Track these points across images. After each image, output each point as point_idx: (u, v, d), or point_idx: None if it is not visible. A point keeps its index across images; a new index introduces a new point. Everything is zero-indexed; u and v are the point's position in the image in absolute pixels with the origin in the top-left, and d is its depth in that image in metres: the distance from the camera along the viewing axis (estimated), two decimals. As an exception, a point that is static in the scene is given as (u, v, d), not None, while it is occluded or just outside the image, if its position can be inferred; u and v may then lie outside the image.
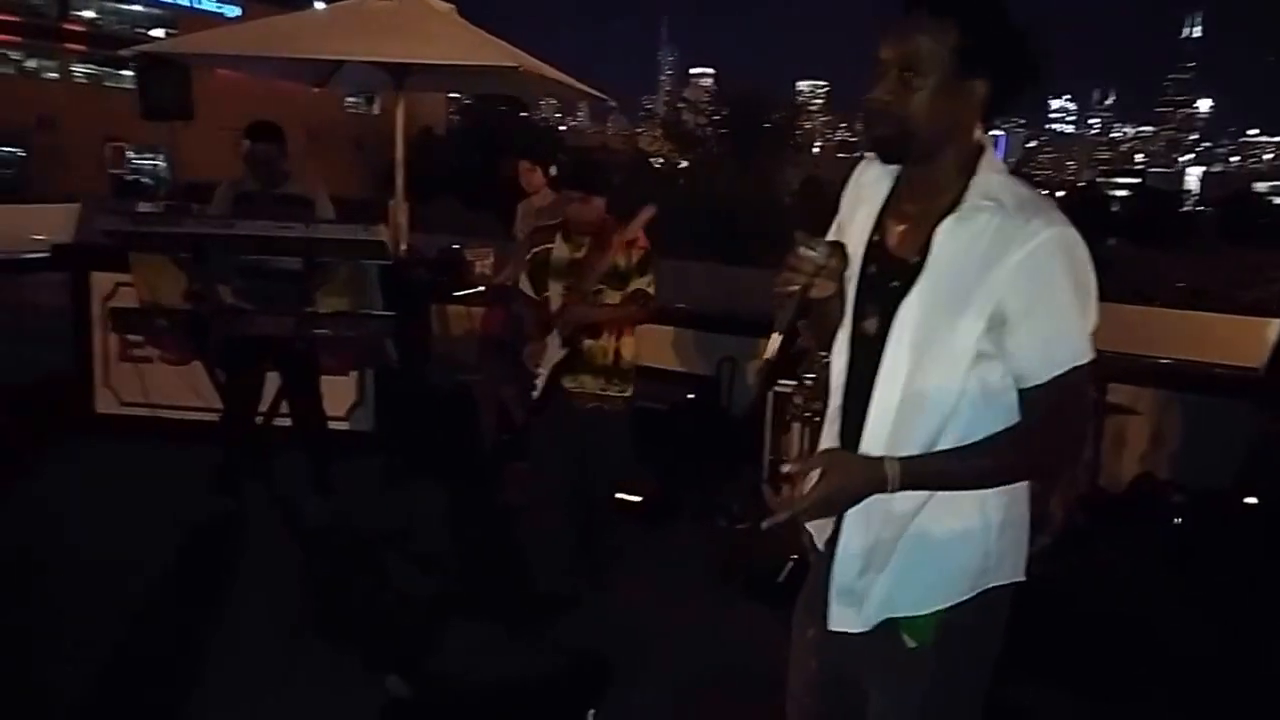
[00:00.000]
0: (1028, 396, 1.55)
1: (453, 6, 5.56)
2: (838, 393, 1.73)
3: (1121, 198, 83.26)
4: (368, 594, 3.73)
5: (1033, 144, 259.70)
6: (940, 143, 1.57)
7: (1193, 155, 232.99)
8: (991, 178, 1.56)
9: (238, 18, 39.92)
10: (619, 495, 4.69)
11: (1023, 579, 1.66)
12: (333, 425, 4.79)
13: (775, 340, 1.60)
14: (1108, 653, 3.48)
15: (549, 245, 3.64)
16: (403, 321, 4.21)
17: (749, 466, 4.61)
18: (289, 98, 7.88)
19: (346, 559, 4.00)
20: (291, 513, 4.30)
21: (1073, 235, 1.50)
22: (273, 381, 4.48)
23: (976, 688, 1.71)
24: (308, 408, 4.47)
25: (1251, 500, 3.67)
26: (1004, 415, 1.58)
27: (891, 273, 1.61)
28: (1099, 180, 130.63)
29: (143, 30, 40.96)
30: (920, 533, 1.60)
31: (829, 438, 1.74)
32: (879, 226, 1.67)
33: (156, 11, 44.61)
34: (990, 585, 1.62)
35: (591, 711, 2.96)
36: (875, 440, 1.60)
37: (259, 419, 4.46)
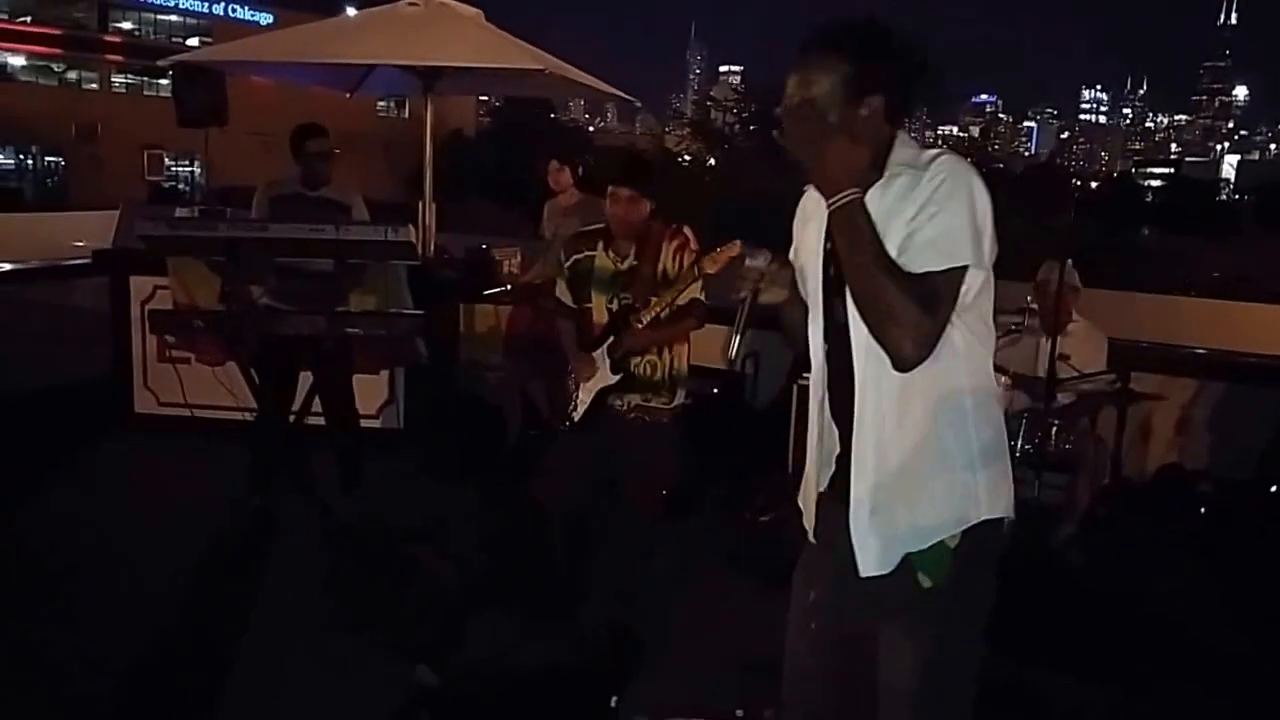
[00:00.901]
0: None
1: (479, 11, 5.65)
2: (819, 385, 1.92)
3: (1156, 188, 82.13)
4: (397, 587, 3.81)
5: (1065, 135, 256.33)
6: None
7: (1229, 144, 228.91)
8: (905, 152, 1.79)
9: (271, 25, 40.54)
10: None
11: (1011, 516, 1.83)
12: (364, 423, 4.90)
13: (735, 340, 1.90)
14: (1133, 640, 3.51)
15: (590, 253, 3.45)
16: (431, 320, 4.29)
17: (773, 459, 4.65)
18: (320, 104, 7.96)
19: (376, 553, 4.09)
20: (324, 509, 4.44)
21: (965, 168, 1.73)
22: (304, 381, 4.56)
23: (980, 623, 1.88)
24: (341, 406, 4.56)
25: (1274, 488, 3.67)
26: (981, 371, 1.80)
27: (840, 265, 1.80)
28: (1133, 170, 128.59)
29: (179, 39, 41.85)
30: (911, 469, 1.78)
31: (817, 421, 1.94)
32: (829, 236, 1.83)
33: (192, 21, 45.61)
34: (983, 518, 1.79)
35: (615, 698, 3.02)
36: (862, 404, 1.78)
37: (292, 418, 4.57)
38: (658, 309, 3.28)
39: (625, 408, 3.43)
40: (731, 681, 3.11)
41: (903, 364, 1.69)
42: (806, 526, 2.01)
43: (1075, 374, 4.22)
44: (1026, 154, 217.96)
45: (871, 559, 1.80)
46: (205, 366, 5.34)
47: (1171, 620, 3.61)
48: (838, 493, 1.91)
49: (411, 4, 5.29)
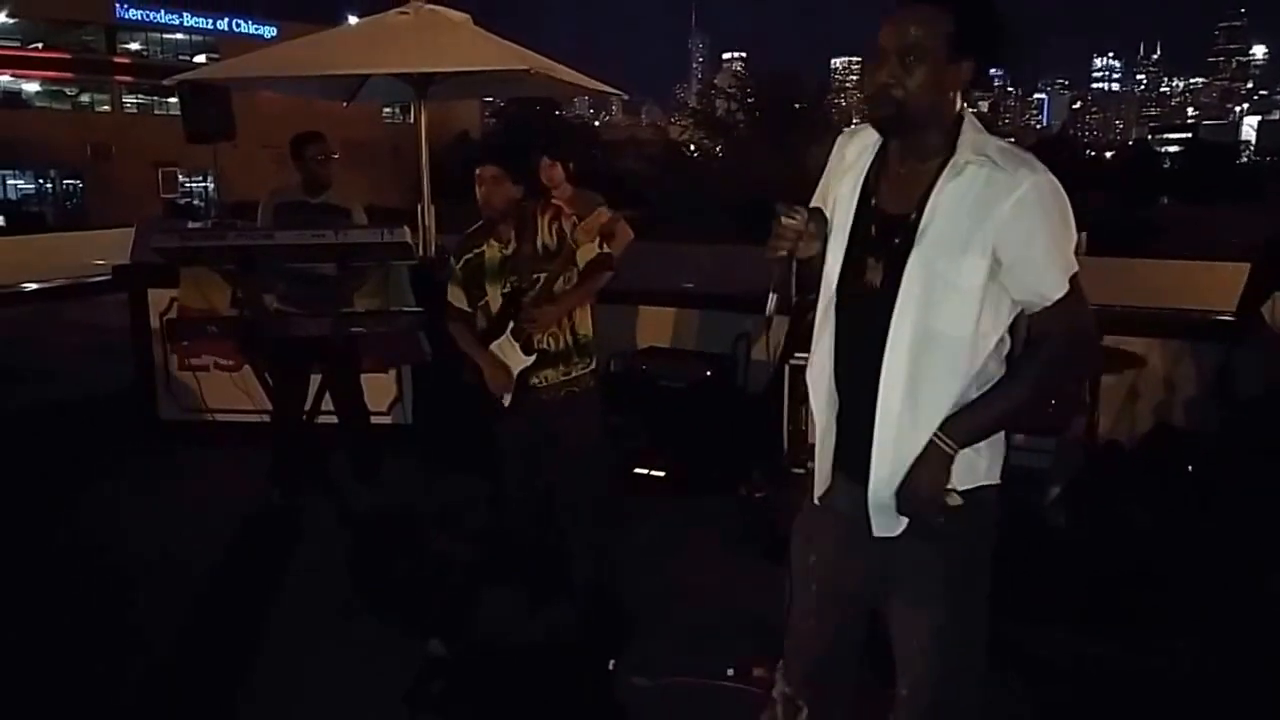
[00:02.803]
0: (1041, 318, 1.79)
1: (467, 16, 5.78)
2: (819, 336, 1.94)
3: (1173, 154, 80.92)
4: (409, 569, 4.02)
5: (1078, 105, 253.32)
6: (932, 116, 1.79)
7: (1248, 105, 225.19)
8: (977, 137, 1.78)
9: (275, 37, 40.93)
10: (640, 470, 4.96)
11: (999, 482, 1.91)
12: (374, 420, 5.10)
13: (772, 299, 1.86)
14: (1125, 599, 3.60)
15: (479, 249, 3.41)
16: (434, 318, 4.45)
17: (767, 438, 4.75)
18: (329, 114, 8.19)
19: (389, 539, 4.31)
20: (339, 501, 4.66)
21: (1051, 180, 1.75)
22: (314, 381, 4.76)
23: (984, 588, 1.95)
24: (350, 404, 4.73)
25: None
26: (1000, 356, 1.84)
27: (891, 230, 1.82)
28: (1149, 138, 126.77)
29: (187, 57, 42.25)
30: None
31: (822, 388, 1.95)
32: (868, 191, 1.87)
33: (199, 38, 46.02)
34: (981, 484, 1.88)
35: (612, 661, 3.19)
36: (893, 376, 1.80)
37: (304, 416, 4.78)
38: (549, 284, 3.29)
39: (546, 385, 3.41)
40: (725, 644, 3.23)
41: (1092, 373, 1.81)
42: (817, 487, 2.01)
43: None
44: (1038, 126, 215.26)
45: (885, 522, 1.87)
46: (223, 373, 5.58)
47: (1162, 577, 3.68)
48: (840, 457, 1.96)
49: (401, 13, 5.43)
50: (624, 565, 3.74)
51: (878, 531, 1.87)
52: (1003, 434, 1.91)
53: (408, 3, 5.51)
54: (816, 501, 2.01)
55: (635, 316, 6.34)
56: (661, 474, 4.95)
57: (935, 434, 1.80)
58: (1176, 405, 5.01)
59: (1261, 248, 3.12)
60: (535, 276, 3.33)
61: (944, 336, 1.78)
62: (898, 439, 1.82)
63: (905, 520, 1.86)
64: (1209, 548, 3.66)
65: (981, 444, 1.86)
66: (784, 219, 1.83)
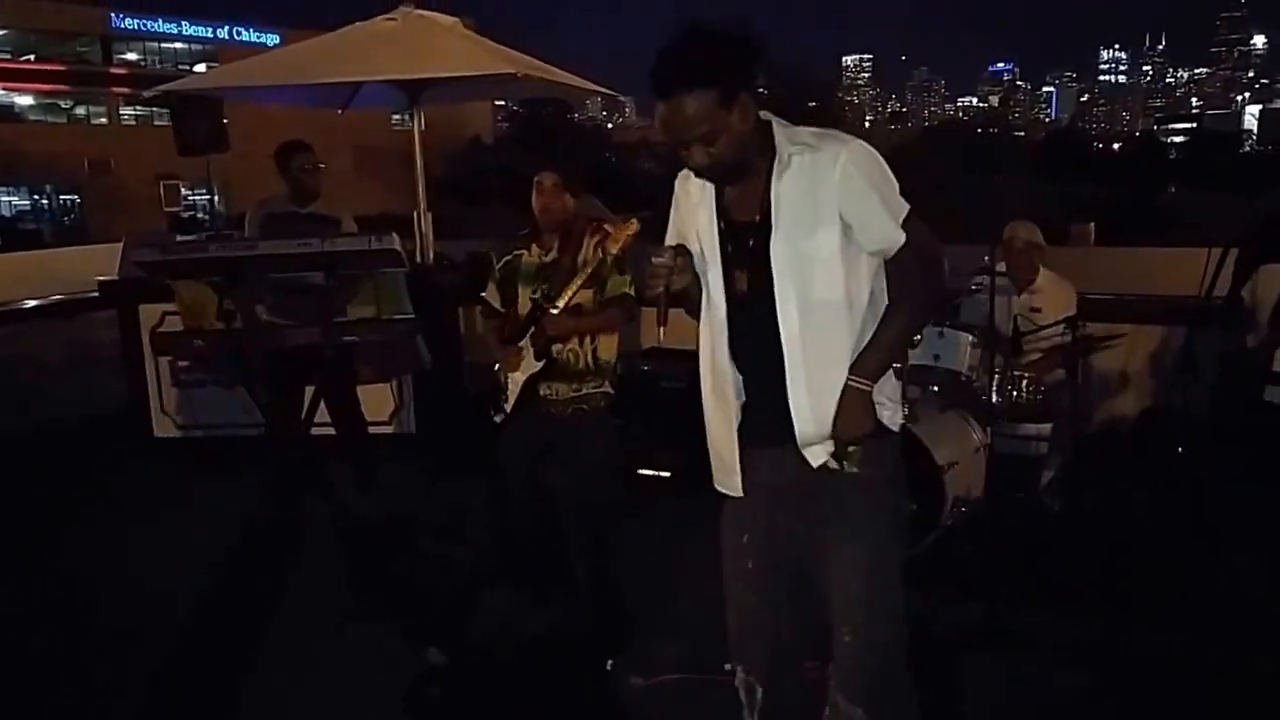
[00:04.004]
0: (897, 258, 2.07)
1: (456, 20, 5.74)
2: (721, 346, 2.16)
3: (1179, 144, 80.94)
4: (408, 577, 4.01)
5: (1085, 98, 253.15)
6: (748, 151, 2.03)
7: (1250, 94, 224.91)
8: (788, 132, 2.05)
9: (278, 45, 40.93)
10: (645, 472, 4.94)
11: (897, 430, 2.18)
12: (377, 430, 5.05)
13: (661, 330, 2.11)
14: (1114, 581, 3.62)
15: (520, 252, 3.51)
16: (433, 326, 4.41)
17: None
18: (337, 123, 8.17)
19: (388, 548, 4.27)
20: (338, 512, 4.62)
21: (862, 145, 2.03)
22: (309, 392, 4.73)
23: (900, 525, 2.30)
24: (347, 413, 4.69)
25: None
26: (879, 304, 2.11)
27: (745, 236, 2.09)
28: (1155, 128, 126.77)
29: (186, 67, 41.92)
30: (836, 391, 2.09)
31: (721, 379, 2.17)
32: (721, 213, 2.14)
33: (198, 47, 45.60)
34: (880, 422, 2.13)
35: (610, 662, 3.19)
36: (792, 346, 2.06)
37: (302, 428, 4.73)
38: (569, 294, 3.30)
39: (558, 398, 3.45)
40: (724, 643, 3.25)
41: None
42: (726, 485, 2.26)
43: (1034, 327, 4.33)
44: (1047, 119, 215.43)
45: (815, 454, 2.12)
46: (219, 388, 5.54)
47: (1151, 559, 3.70)
48: (753, 437, 2.19)
49: (389, 19, 5.39)
50: (625, 566, 3.72)
51: (815, 462, 2.12)
52: (899, 390, 2.24)
53: (396, 8, 5.47)
54: (739, 493, 2.23)
55: (639, 317, 6.29)
56: (667, 474, 4.94)
57: (849, 378, 2.07)
58: (1166, 389, 5.00)
59: (1244, 234, 3.15)
60: (565, 288, 3.33)
61: (823, 302, 2.04)
62: (808, 384, 2.07)
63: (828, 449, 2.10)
64: (1197, 529, 3.69)
65: (884, 397, 2.13)
66: (654, 260, 2.09)
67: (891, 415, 2.16)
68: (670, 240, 2.24)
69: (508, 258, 3.54)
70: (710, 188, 2.13)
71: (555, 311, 3.33)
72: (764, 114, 2.04)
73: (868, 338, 2.09)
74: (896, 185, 2.05)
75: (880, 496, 2.15)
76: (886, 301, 2.14)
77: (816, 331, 2.05)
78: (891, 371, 2.16)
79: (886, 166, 2.04)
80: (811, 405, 2.09)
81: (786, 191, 2.02)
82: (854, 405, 2.07)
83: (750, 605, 2.27)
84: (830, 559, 2.15)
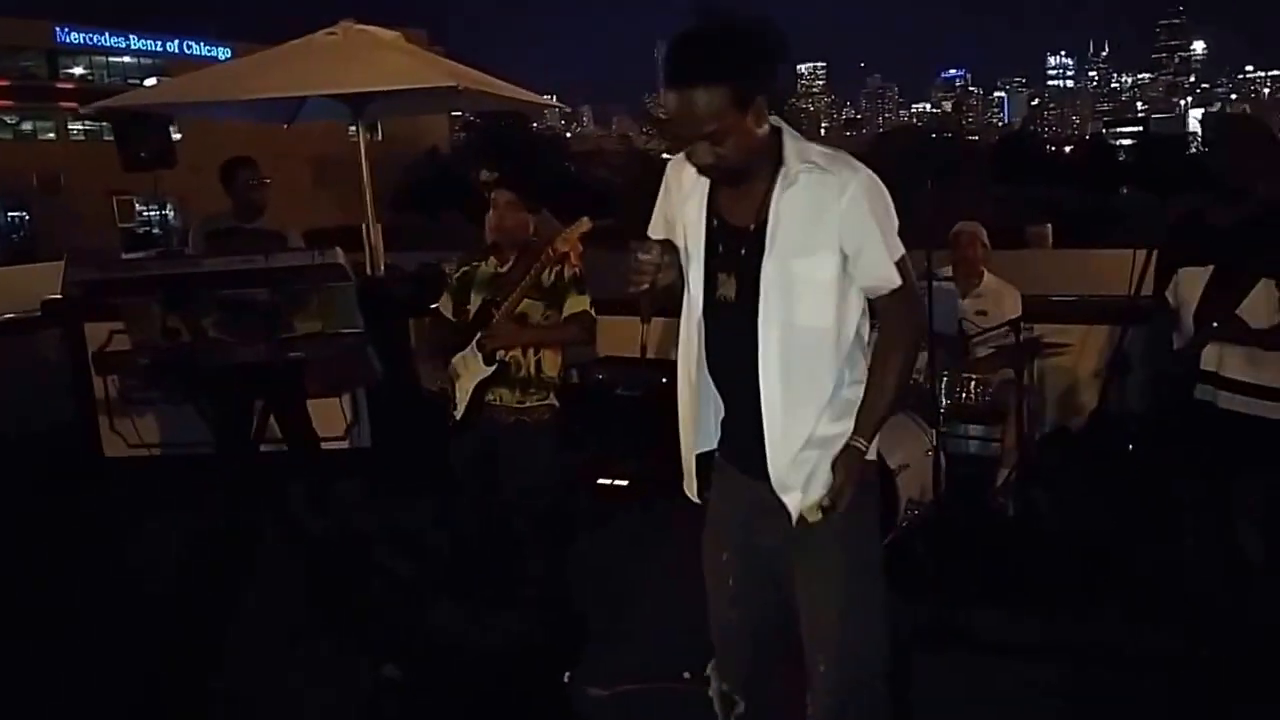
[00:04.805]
0: (885, 300, 2.00)
1: (399, 34, 5.73)
2: (695, 349, 2.08)
3: (1127, 146, 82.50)
4: (362, 592, 3.99)
5: (1035, 102, 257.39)
6: (752, 155, 1.93)
7: (1192, 97, 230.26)
8: (798, 146, 1.94)
9: (230, 59, 40.40)
10: (602, 481, 4.94)
11: (876, 458, 2.11)
12: (331, 445, 5.00)
13: (644, 329, 1.91)
14: (1066, 578, 3.68)
15: (477, 264, 3.53)
16: (384, 338, 4.38)
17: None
18: (294, 134, 8.06)
19: (342, 563, 4.24)
20: (291, 528, 4.57)
21: (871, 176, 1.93)
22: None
23: (877, 545, 2.19)
24: (298, 429, 4.67)
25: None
26: (862, 344, 2.05)
27: (737, 242, 1.99)
28: (1104, 131, 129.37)
29: (136, 80, 41.19)
30: (816, 425, 2.01)
31: (696, 385, 2.09)
32: (712, 210, 2.03)
33: (147, 61, 44.90)
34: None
35: (568, 673, 3.18)
36: (770, 375, 1.95)
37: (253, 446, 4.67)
38: (517, 301, 3.33)
39: (503, 408, 3.46)
40: (683, 649, 3.23)
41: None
42: (691, 489, 2.19)
43: (978, 330, 4.39)
44: (1000, 124, 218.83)
45: (796, 501, 2.02)
46: (169, 405, 5.45)
47: (1101, 556, 3.76)
48: (730, 456, 2.12)
49: (330, 33, 5.37)
50: (583, 575, 3.75)
51: (793, 512, 2.02)
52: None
53: (336, 23, 5.45)
54: (698, 499, 2.20)
55: (595, 340, 6.31)
56: (624, 482, 4.96)
57: (851, 439, 1.99)
58: (1102, 387, 5.09)
59: (1167, 234, 3.27)
60: (519, 301, 3.37)
61: (809, 329, 1.95)
62: (785, 431, 1.98)
63: (816, 494, 2.00)
64: (1145, 526, 3.76)
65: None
66: (640, 255, 2.00)
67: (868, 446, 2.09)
68: (655, 226, 2.16)
69: (465, 268, 3.55)
70: (705, 181, 2.02)
71: (496, 315, 3.36)
72: (775, 120, 1.94)
73: (849, 376, 2.01)
74: (897, 224, 1.97)
75: (856, 524, 2.07)
76: (869, 344, 2.06)
77: (797, 360, 1.96)
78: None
79: (891, 203, 1.96)
80: (789, 457, 1.99)
81: (788, 207, 1.92)
82: (851, 469, 1.98)
83: (732, 622, 2.21)
84: (806, 588, 2.08)
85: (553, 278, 3.39)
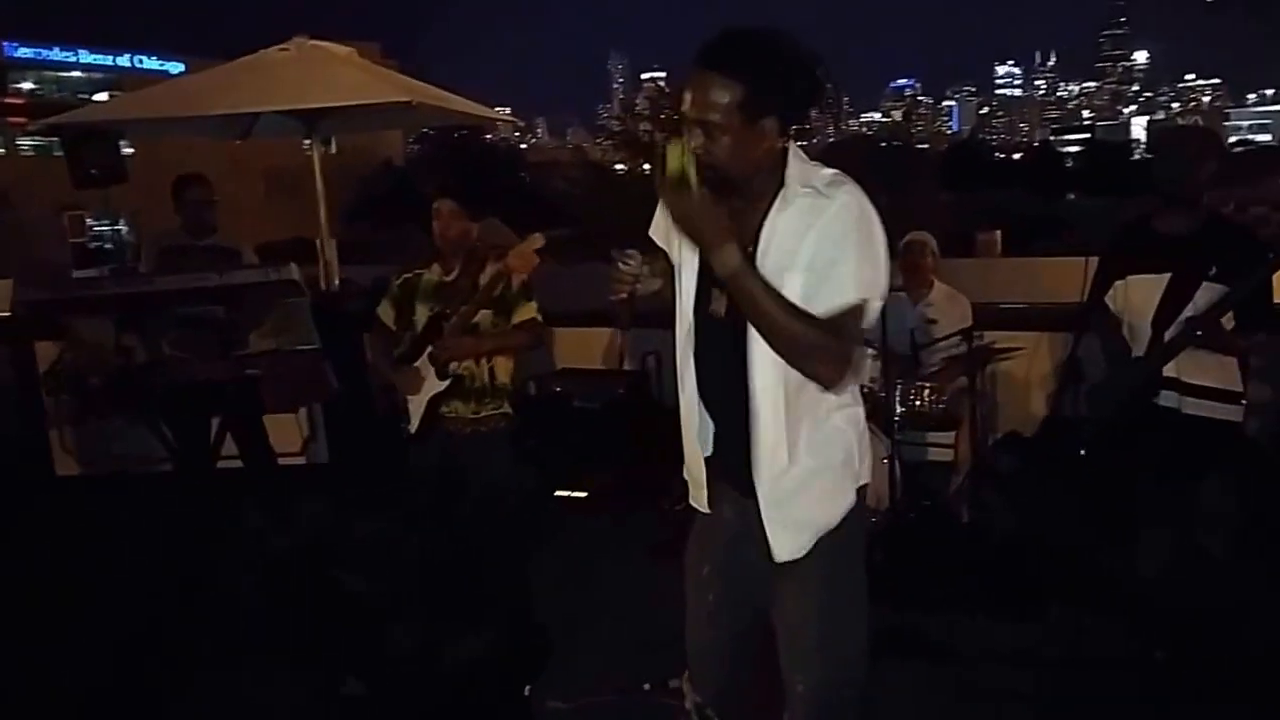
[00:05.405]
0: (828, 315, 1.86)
1: (352, 50, 5.71)
2: (687, 366, 2.06)
3: (1075, 153, 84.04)
4: (322, 608, 3.95)
5: (984, 111, 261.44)
6: (749, 169, 1.88)
7: (1136, 105, 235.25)
8: (803, 170, 1.90)
9: (183, 74, 39.80)
10: (560, 493, 4.97)
11: (866, 481, 2.08)
12: (288, 461, 4.96)
13: (623, 338, 1.94)
14: (1024, 581, 3.75)
15: (420, 272, 3.54)
16: (340, 353, 4.37)
17: (683, 451, 4.81)
18: (248, 148, 7.98)
19: (301, 579, 4.21)
20: (250, 546, 4.53)
21: (862, 200, 1.86)
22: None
23: (862, 569, 2.11)
24: (254, 447, 4.64)
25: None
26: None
27: None
28: (1051, 139, 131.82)
29: (85, 96, 40.55)
30: (808, 465, 1.97)
31: (692, 408, 2.06)
32: None
33: (98, 76, 44.20)
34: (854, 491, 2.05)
35: (529, 687, 3.18)
36: (762, 395, 1.91)
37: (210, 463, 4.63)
38: (470, 315, 3.35)
39: (457, 417, 3.47)
40: (645, 659, 3.20)
41: (827, 386, 1.88)
42: (697, 499, 2.16)
43: (930, 339, 4.48)
44: (949, 132, 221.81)
45: (785, 547, 1.99)
46: (122, 424, 5.37)
47: (1056, 558, 3.83)
48: (719, 471, 2.09)
49: (283, 49, 5.34)
50: (543, 587, 3.74)
51: (779, 557, 1.99)
52: (868, 443, 2.08)
53: (290, 39, 5.43)
54: (704, 509, 2.14)
55: (551, 340, 6.33)
56: (583, 494, 4.98)
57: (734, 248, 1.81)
58: (1067, 393, 5.19)
59: (1115, 240, 3.29)
60: (462, 307, 3.37)
61: None
62: (774, 450, 1.94)
63: (809, 539, 1.97)
64: (1099, 531, 3.79)
65: (855, 460, 2.02)
66: (620, 264, 1.99)
67: (862, 476, 2.06)
68: (655, 230, 2.12)
69: (407, 275, 3.55)
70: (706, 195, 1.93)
71: (450, 336, 3.36)
72: (788, 144, 1.90)
73: (836, 400, 1.96)
74: (880, 258, 1.86)
75: (841, 546, 2.03)
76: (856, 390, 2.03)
77: (785, 378, 1.89)
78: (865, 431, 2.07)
79: (879, 234, 1.86)
80: (779, 496, 1.96)
81: (781, 228, 1.87)
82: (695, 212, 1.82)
83: (709, 639, 2.19)
84: (787, 608, 2.07)
85: (501, 287, 3.43)
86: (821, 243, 1.82)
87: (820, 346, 1.81)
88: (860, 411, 2.06)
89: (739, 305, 1.85)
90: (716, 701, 2.18)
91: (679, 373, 2.08)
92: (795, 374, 1.87)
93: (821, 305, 1.82)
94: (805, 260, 1.83)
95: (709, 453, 2.08)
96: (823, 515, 2.01)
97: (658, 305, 2.13)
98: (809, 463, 1.96)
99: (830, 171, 1.89)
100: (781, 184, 1.88)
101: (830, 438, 1.99)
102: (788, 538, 1.99)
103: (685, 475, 2.18)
